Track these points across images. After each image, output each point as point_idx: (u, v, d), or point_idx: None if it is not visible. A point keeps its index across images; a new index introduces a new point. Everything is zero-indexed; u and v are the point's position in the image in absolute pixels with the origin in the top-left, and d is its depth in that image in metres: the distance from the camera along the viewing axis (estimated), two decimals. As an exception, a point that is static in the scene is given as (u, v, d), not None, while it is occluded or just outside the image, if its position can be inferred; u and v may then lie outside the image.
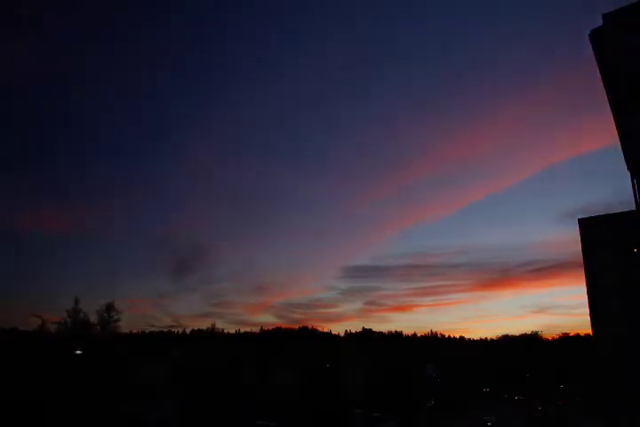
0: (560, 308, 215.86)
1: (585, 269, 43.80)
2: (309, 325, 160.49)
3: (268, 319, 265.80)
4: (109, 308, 48.17)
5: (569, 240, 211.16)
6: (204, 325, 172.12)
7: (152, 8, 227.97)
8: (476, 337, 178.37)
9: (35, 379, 38.23)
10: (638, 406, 29.66)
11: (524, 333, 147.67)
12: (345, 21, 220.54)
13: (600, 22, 15.45)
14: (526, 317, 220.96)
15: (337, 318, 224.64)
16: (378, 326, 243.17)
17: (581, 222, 45.88)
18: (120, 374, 45.51)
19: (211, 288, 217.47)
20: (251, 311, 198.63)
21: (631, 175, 16.37)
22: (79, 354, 39.42)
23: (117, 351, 48.34)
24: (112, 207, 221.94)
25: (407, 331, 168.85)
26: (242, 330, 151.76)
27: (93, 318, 47.70)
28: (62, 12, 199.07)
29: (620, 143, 17.72)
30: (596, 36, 15.19)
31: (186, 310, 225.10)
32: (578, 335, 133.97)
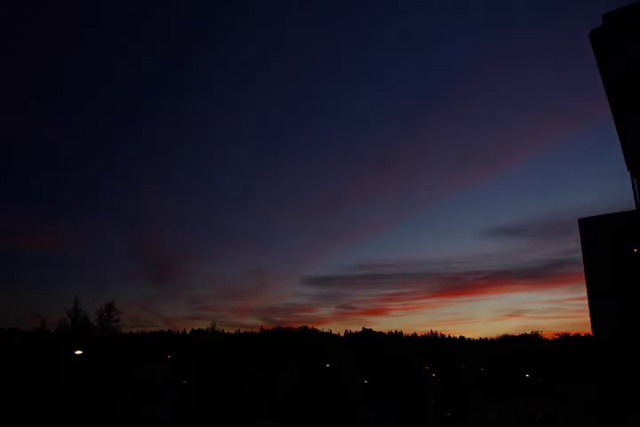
0: (531, 312, 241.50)
1: (585, 270, 43.80)
2: (308, 325, 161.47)
3: (254, 321, 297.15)
4: (109, 308, 48.22)
5: (496, 252, 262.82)
6: (192, 326, 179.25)
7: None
8: (474, 337, 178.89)
9: (34, 379, 38.24)
10: (639, 407, 29.57)
11: (504, 334, 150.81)
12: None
13: (600, 22, 15.44)
14: (500, 319, 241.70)
15: (317, 321, 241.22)
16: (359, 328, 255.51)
17: (581, 222, 45.85)
18: (120, 374, 45.52)
19: (191, 294, 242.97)
20: (236, 314, 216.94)
21: (631, 175, 16.36)
22: (79, 354, 39.39)
23: (117, 351, 48.33)
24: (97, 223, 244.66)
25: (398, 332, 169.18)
26: (234, 331, 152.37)
27: (93, 318, 47.78)
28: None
29: (620, 143, 17.72)
30: (596, 36, 15.16)
31: (173, 314, 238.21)
32: (578, 335, 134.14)
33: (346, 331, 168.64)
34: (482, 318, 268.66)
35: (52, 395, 37.85)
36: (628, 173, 16.77)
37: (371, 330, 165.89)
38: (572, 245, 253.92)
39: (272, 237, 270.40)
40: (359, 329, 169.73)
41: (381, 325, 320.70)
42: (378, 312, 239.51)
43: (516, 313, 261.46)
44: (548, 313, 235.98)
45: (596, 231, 44.71)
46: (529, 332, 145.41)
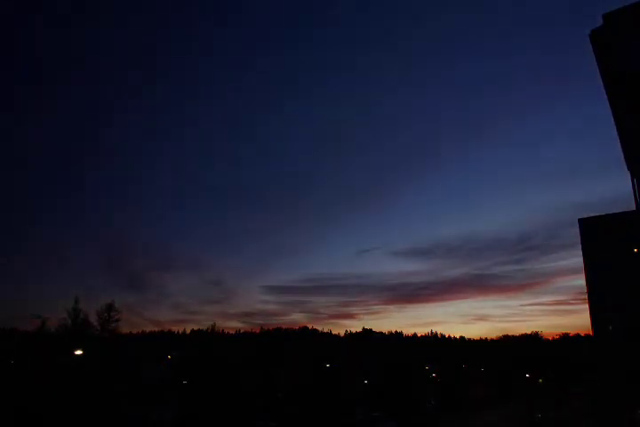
0: (496, 316, 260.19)
1: (585, 269, 43.73)
2: (309, 325, 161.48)
3: (238, 325, 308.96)
4: (109, 308, 48.20)
5: (421, 269, 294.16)
6: (179, 328, 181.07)
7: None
8: (471, 337, 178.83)
9: (35, 379, 38.21)
10: (639, 408, 29.60)
11: (476, 336, 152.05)
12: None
13: (600, 22, 15.42)
14: (469, 323, 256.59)
15: (296, 324, 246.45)
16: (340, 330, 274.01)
17: (581, 222, 45.72)
18: (121, 374, 45.50)
19: (170, 301, 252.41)
20: (219, 319, 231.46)
21: (631, 175, 16.35)
22: (79, 354, 39.36)
23: (117, 351, 48.30)
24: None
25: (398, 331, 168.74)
26: (234, 331, 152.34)
27: (93, 319, 47.74)
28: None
29: (619, 143, 17.72)
30: (596, 36, 15.15)
31: (161, 318, 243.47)
32: (578, 335, 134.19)
33: (346, 331, 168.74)
34: (451, 321, 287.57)
35: (53, 395, 37.85)
36: (629, 173, 16.75)
37: (371, 330, 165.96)
38: (483, 263, 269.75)
39: (228, 250, 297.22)
40: (352, 330, 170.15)
41: (357, 327, 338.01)
42: (346, 316, 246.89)
43: (481, 317, 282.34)
44: (511, 317, 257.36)
45: (596, 231, 44.50)
46: (529, 332, 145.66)
